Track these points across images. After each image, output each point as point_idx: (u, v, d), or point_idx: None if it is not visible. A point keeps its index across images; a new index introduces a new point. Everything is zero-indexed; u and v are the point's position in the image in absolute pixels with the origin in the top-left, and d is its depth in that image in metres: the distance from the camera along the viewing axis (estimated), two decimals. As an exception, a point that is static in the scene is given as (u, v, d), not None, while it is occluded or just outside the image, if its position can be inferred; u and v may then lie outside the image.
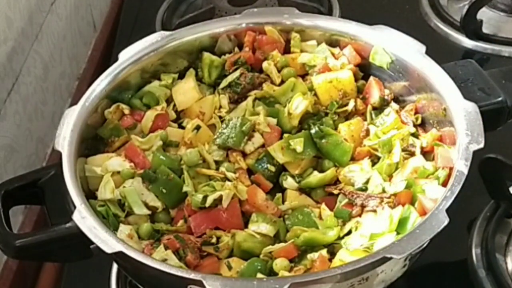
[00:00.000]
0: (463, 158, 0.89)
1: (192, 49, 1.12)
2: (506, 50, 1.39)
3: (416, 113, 1.03)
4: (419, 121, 1.03)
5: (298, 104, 1.03)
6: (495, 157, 1.00)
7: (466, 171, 0.88)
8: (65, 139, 0.96)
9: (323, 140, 1.00)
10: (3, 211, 0.94)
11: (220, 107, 1.08)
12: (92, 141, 1.02)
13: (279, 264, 0.88)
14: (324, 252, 0.89)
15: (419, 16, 1.51)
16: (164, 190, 0.95)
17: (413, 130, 1.01)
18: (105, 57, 1.60)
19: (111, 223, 0.92)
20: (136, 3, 1.64)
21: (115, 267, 1.09)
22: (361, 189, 0.96)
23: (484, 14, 1.42)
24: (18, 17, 1.28)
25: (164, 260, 0.86)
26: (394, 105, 1.05)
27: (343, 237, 0.91)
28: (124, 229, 0.91)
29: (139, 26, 1.56)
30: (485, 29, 1.41)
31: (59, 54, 1.46)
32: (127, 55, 1.07)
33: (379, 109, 1.06)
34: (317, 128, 1.00)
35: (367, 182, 0.97)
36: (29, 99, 1.32)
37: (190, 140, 1.02)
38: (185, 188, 0.95)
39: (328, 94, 1.06)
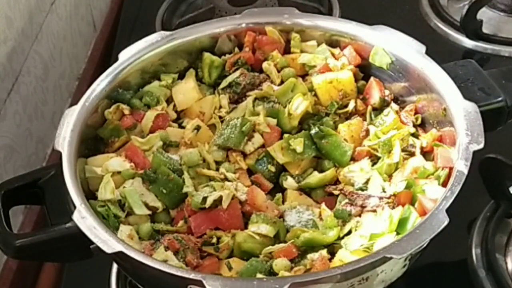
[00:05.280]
0: (463, 158, 0.89)
1: (192, 49, 1.12)
2: (506, 50, 1.39)
3: (416, 113, 1.03)
4: (419, 121, 1.03)
5: (298, 105, 1.03)
6: (495, 157, 1.00)
7: (466, 171, 0.88)
8: (65, 139, 0.96)
9: (323, 141, 1.00)
10: (3, 211, 0.94)
11: (220, 107, 1.08)
12: (92, 141, 1.02)
13: (279, 264, 0.88)
14: (324, 252, 0.89)
15: (419, 16, 1.51)
16: (164, 191, 0.95)
17: (413, 130, 1.01)
18: (105, 57, 1.60)
19: (111, 223, 0.92)
20: (136, 3, 1.64)
21: (115, 267, 1.09)
22: (361, 189, 0.96)
23: (484, 14, 1.42)
24: (18, 17, 1.28)
25: (164, 261, 0.86)
26: (394, 106, 1.05)
27: (343, 237, 0.91)
28: (124, 230, 0.91)
29: (139, 26, 1.56)
30: (485, 29, 1.41)
31: (59, 54, 1.46)
32: (127, 55, 1.07)
33: (379, 109, 1.06)
34: (317, 129, 1.00)
35: (367, 182, 0.97)
36: (29, 99, 1.32)
37: (190, 140, 1.02)
38: (185, 189, 0.95)
39: (328, 94, 1.06)
